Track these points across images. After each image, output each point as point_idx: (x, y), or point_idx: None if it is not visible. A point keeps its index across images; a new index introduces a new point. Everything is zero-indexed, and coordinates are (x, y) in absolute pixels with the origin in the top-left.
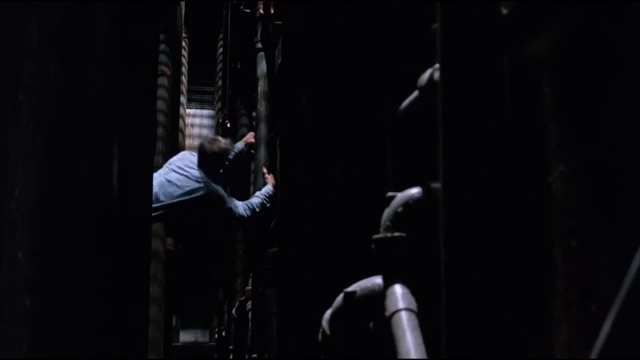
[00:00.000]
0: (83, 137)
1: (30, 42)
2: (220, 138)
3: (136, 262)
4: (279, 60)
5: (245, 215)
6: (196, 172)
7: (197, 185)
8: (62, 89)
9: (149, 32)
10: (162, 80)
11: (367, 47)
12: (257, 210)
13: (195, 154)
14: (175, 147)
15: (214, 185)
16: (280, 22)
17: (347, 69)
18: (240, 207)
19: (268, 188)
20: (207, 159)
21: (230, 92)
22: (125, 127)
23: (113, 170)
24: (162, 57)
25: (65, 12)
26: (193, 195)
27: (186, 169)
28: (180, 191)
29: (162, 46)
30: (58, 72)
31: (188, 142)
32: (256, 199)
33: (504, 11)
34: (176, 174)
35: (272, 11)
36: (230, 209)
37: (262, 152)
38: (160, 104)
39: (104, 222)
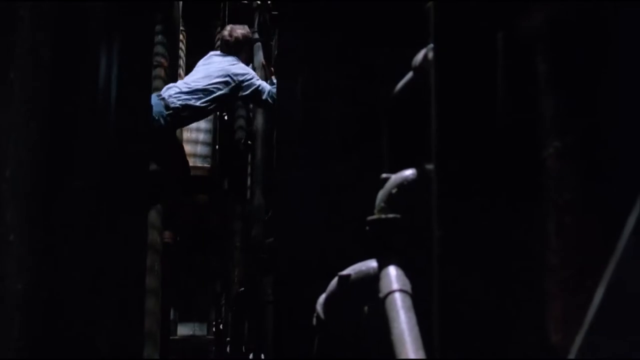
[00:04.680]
0: (76, 118)
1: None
2: (238, 26)
3: (132, 248)
4: (276, 51)
5: (269, 101)
6: (224, 59)
7: (227, 68)
8: (56, 70)
9: (145, 19)
10: (159, 72)
11: (363, 32)
12: (271, 101)
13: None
14: None
15: (243, 66)
16: (276, 12)
17: (343, 56)
18: (267, 91)
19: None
20: (231, 48)
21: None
22: (120, 110)
23: (108, 153)
24: (159, 48)
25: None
26: (224, 79)
27: (214, 58)
28: (214, 74)
29: (159, 37)
30: (51, 55)
31: (185, 134)
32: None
33: None
34: (204, 66)
35: (268, 1)
36: (259, 91)
37: (259, 143)
38: None
39: (98, 204)
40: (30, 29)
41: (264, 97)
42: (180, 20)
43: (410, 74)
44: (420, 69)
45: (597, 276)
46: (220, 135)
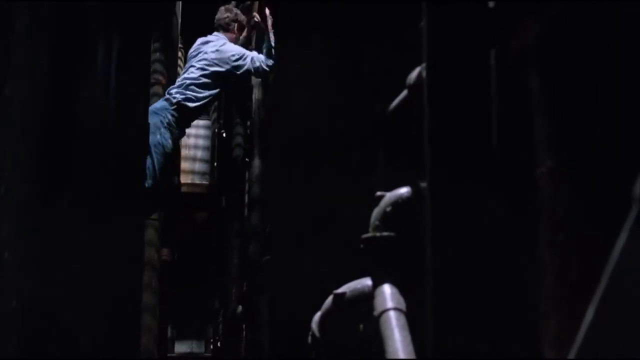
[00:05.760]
0: (74, 135)
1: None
2: (231, 8)
3: (129, 269)
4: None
5: (266, 69)
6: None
7: (214, 55)
8: (52, 85)
9: (145, 19)
10: (157, 89)
11: (360, 47)
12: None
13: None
14: None
15: (232, 47)
16: (274, 30)
17: (340, 73)
18: (259, 60)
19: (269, 44)
20: (222, 27)
21: (225, 101)
22: (119, 114)
23: (104, 170)
24: (158, 66)
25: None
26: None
27: (202, 47)
28: (204, 64)
29: (157, 55)
30: (48, 66)
31: (184, 152)
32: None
33: (491, 4)
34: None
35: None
36: (249, 70)
37: (257, 161)
38: None
39: (95, 217)
40: (28, 29)
41: (256, 66)
42: (179, 38)
43: (404, 92)
44: (415, 87)
45: (591, 293)
46: (218, 153)
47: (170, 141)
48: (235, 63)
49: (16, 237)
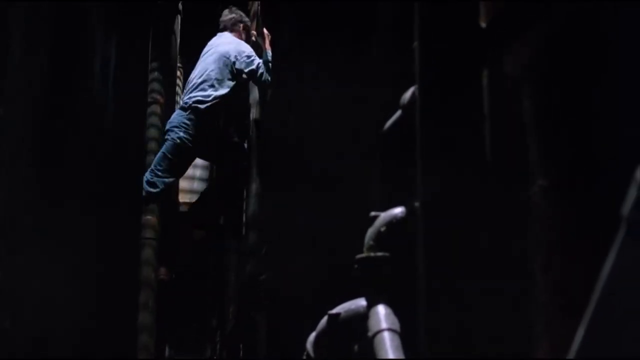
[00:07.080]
0: (73, 135)
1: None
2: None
3: (125, 291)
4: (271, 89)
5: (267, 80)
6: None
7: (222, 52)
8: (52, 85)
9: (144, 20)
10: (155, 109)
11: (356, 65)
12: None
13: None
14: None
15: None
16: (270, 50)
17: (335, 88)
18: (263, 69)
19: (267, 57)
20: (227, 28)
21: (224, 120)
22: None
23: (103, 169)
24: (156, 85)
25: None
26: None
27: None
28: (211, 62)
29: (156, 74)
30: (48, 66)
31: None
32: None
33: (483, 24)
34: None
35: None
36: (255, 72)
37: (254, 179)
38: (153, 132)
39: (91, 219)
40: (28, 29)
41: (261, 72)
42: (178, 57)
43: (399, 112)
44: (408, 107)
45: (583, 314)
46: (217, 171)
47: (183, 134)
48: (248, 60)
49: (6, 251)
